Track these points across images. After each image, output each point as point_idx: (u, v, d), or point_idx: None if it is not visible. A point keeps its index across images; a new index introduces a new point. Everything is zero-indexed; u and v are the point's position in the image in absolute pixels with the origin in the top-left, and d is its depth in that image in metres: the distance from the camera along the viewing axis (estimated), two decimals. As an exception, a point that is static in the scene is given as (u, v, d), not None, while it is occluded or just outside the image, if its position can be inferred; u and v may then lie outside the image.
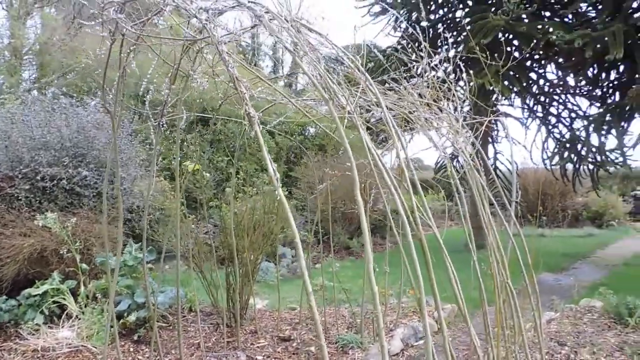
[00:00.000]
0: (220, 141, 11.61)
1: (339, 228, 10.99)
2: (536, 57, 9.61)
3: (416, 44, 3.48)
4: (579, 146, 9.60)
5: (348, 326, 4.69)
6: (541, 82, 10.02)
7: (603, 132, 8.86)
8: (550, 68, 9.93)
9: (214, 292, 4.61)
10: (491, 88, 8.81)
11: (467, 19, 10.19)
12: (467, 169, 3.29)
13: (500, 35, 9.25)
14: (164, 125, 3.02)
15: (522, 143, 11.28)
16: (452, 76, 3.48)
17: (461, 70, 3.83)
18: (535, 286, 3.23)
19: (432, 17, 10.78)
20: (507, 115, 10.65)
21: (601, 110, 9.14)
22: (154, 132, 3.15)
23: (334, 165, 12.11)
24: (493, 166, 11.47)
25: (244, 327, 4.51)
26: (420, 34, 3.38)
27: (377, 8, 10.66)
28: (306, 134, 17.70)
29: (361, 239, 11.42)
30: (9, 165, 4.74)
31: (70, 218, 4.58)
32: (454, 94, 3.57)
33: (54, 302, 4.23)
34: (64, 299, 4.29)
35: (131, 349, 3.90)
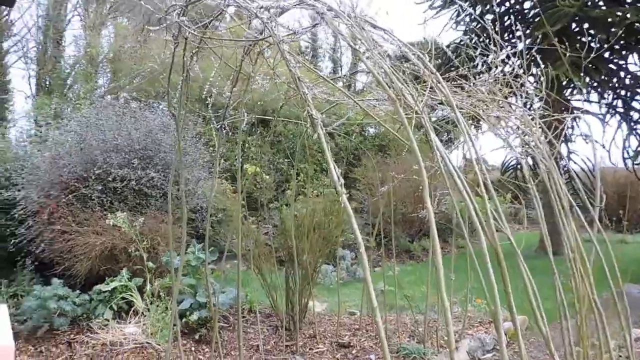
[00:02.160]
0: (280, 142, 11.74)
1: (399, 231, 10.74)
2: (616, 47, 8.86)
3: (481, 39, 3.27)
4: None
5: (410, 335, 4.52)
6: (622, 74, 9.24)
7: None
8: (633, 59, 9.13)
9: (273, 294, 4.60)
10: (564, 82, 8.24)
11: (536, 10, 9.65)
12: (544, 170, 3.04)
13: (573, 25, 8.66)
14: (226, 127, 3.02)
15: (599, 141, 10.48)
16: (521, 71, 3.24)
17: (537, 64, 3.57)
18: (624, 299, 2.92)
19: (498, 9, 10.27)
20: (586, 112, 9.93)
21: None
22: (216, 134, 3.17)
23: (395, 167, 11.89)
24: (566, 167, 10.75)
25: (302, 330, 4.47)
26: (488, 27, 3.17)
27: (438, 2, 10.31)
28: (365, 134, 17.52)
29: (422, 243, 11.12)
30: (83, 166, 5.00)
31: (138, 218, 4.75)
32: (526, 90, 3.32)
33: (122, 298, 4.39)
34: (132, 295, 4.45)
35: (192, 348, 3.97)
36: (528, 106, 3.52)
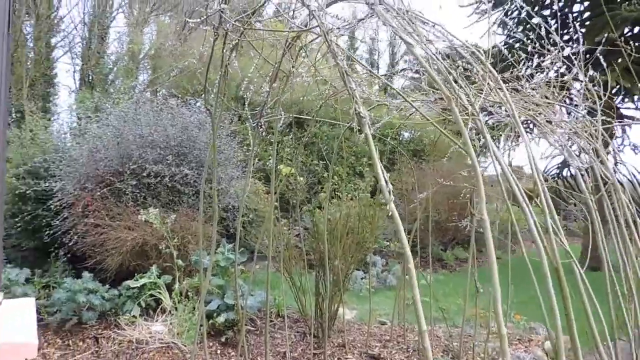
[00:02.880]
0: (314, 144, 11.64)
1: (432, 239, 10.42)
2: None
3: (529, 41, 3.05)
4: None
5: (444, 350, 4.29)
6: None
7: None
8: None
9: (302, 298, 4.47)
10: (615, 89, 7.80)
11: (587, 13, 9.25)
12: (606, 181, 2.79)
13: (626, 29, 8.20)
14: (262, 126, 2.90)
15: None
16: (566, 76, 3.01)
17: (587, 70, 3.30)
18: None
19: (544, 12, 9.90)
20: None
21: None
22: (251, 133, 3.06)
23: (432, 173, 11.57)
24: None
25: (331, 339, 4.31)
26: (543, 26, 2.94)
27: (484, 5, 9.99)
28: (400, 139, 17.24)
29: (455, 252, 10.77)
30: (119, 161, 5.01)
31: (170, 215, 4.71)
32: (581, 95, 3.08)
33: (150, 295, 4.35)
34: (160, 293, 4.40)
35: (218, 351, 3.87)
36: (578, 113, 3.27)
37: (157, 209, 4.58)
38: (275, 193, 3.21)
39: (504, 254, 11.47)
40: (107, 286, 4.39)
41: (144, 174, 4.91)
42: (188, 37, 11.98)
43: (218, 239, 4.85)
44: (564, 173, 11.50)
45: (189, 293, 4.33)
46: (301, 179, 3.97)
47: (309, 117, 3.49)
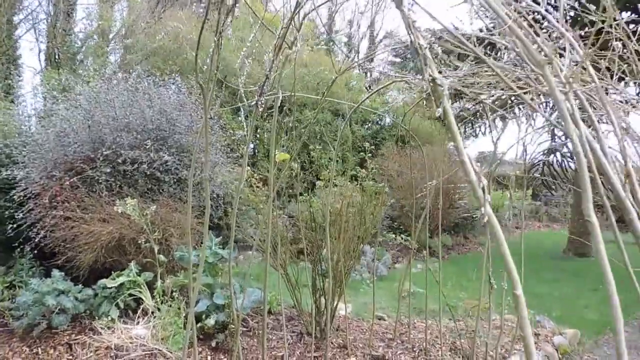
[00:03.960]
0: (296, 129, 11.21)
1: (421, 225, 10.21)
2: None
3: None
4: None
5: (450, 348, 4.02)
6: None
7: None
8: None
9: (298, 295, 4.12)
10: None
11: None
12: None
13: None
14: (263, 105, 2.49)
15: None
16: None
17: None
18: None
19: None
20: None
21: None
22: (248, 113, 2.65)
23: (418, 159, 11.32)
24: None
25: (330, 338, 3.98)
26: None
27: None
28: (382, 123, 16.97)
29: (443, 239, 10.60)
30: (91, 146, 4.51)
31: (149, 205, 4.27)
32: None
33: (129, 295, 3.93)
34: (140, 292, 3.98)
35: (209, 357, 3.49)
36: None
37: (135, 200, 4.13)
38: (273, 184, 2.82)
39: (492, 239, 11.34)
40: (80, 286, 3.94)
41: (119, 161, 4.43)
42: (162, 15, 11.30)
43: (203, 232, 4.45)
44: (550, 158, 11.44)
45: (173, 292, 3.92)
46: (296, 165, 3.59)
47: (314, 96, 3.09)
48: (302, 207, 4.87)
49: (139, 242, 4.12)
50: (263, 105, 2.53)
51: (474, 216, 10.75)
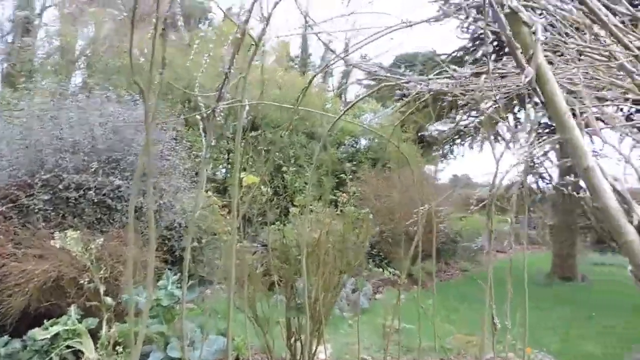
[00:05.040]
0: (268, 151, 10.72)
1: (400, 251, 9.76)
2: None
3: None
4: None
5: (447, 399, 3.48)
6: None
7: None
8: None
9: (269, 342, 3.53)
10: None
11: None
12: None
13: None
14: (220, 115, 1.98)
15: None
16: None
17: None
18: None
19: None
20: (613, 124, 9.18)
21: None
22: (205, 126, 2.13)
23: (395, 182, 10.96)
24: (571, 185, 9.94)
25: (308, 392, 3.40)
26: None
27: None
28: (357, 146, 16.66)
29: (426, 265, 10.15)
30: (27, 169, 3.89)
31: (97, 238, 3.65)
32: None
33: (67, 347, 3.27)
34: (81, 342, 3.33)
35: None
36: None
37: (79, 232, 3.50)
38: (238, 211, 2.29)
39: (473, 264, 10.95)
40: (7, 337, 3.27)
41: (61, 186, 3.82)
42: (127, 33, 10.77)
43: (160, 268, 3.84)
44: (528, 181, 11.24)
45: (118, 343, 3.28)
46: (267, 189, 3.07)
47: (289, 106, 2.59)
48: (274, 236, 4.33)
49: (82, 282, 3.48)
50: (221, 114, 2.03)
51: (456, 241, 10.38)
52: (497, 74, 2.01)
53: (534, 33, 0.47)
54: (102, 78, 9.24)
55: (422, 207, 3.39)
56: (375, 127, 18.12)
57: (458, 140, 12.11)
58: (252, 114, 11.53)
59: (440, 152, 15.75)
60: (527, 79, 0.47)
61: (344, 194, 3.62)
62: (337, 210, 3.62)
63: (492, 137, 2.97)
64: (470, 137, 11.70)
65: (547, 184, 9.55)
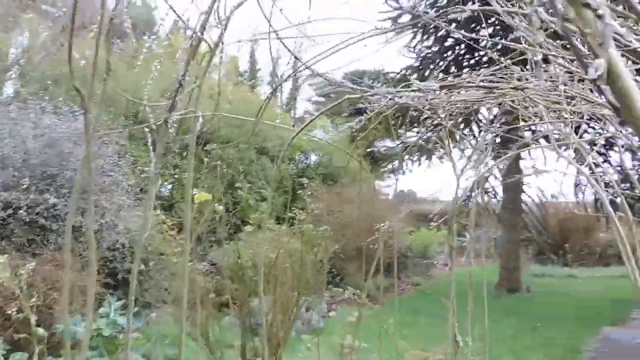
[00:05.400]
0: (216, 167, 10.42)
1: (353, 268, 9.71)
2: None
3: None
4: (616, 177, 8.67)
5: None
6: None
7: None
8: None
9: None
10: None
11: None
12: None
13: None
14: (173, 126, 1.81)
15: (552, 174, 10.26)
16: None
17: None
18: None
19: (456, 36, 9.97)
20: (537, 143, 9.68)
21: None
22: (154, 138, 1.94)
23: (345, 197, 10.95)
24: (517, 200, 10.40)
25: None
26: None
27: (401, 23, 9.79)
28: (308, 162, 16.63)
29: (379, 281, 10.16)
30: (-53, 187, 3.48)
31: (28, 262, 3.29)
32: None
33: (-10, 388, 2.90)
34: (7, 382, 2.96)
35: None
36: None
37: (6, 256, 3.14)
38: (191, 233, 2.10)
39: (425, 279, 11.08)
40: None
41: (-14, 205, 3.44)
42: (66, 40, 10.18)
43: (101, 293, 3.52)
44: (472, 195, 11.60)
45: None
46: (220, 207, 2.90)
47: (251, 119, 2.43)
48: (227, 255, 4.12)
49: (9, 312, 3.11)
50: (174, 126, 1.85)
51: (407, 255, 10.48)
52: (456, 89, 1.98)
53: (599, 17, 0.39)
54: (37, 88, 8.64)
55: (382, 224, 3.33)
56: (325, 143, 18.19)
57: (406, 157, 12.35)
58: (204, 128, 11.21)
59: (389, 168, 16.03)
60: (597, 73, 0.38)
61: (302, 211, 3.49)
62: (293, 228, 3.48)
63: (450, 152, 2.96)
64: (418, 153, 11.96)
65: (493, 198, 9.91)
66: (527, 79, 1.63)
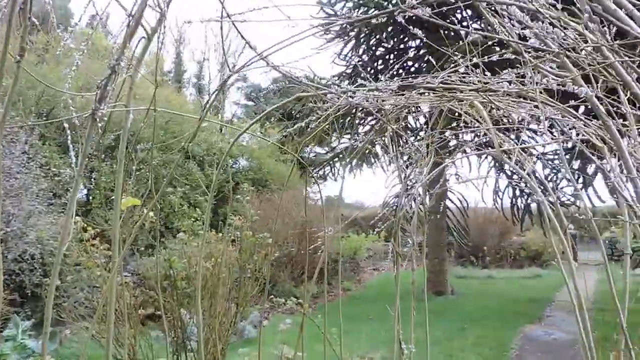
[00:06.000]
0: (140, 171, 9.81)
1: (284, 275, 9.55)
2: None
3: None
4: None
5: None
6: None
7: (555, 171, 8.59)
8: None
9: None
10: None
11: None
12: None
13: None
14: (103, 118, 1.57)
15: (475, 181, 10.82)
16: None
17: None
18: None
19: (386, 45, 10.26)
20: (463, 151, 10.16)
21: (557, 148, 8.86)
22: (78, 134, 1.68)
23: (274, 203, 10.77)
24: (442, 205, 10.83)
25: None
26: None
27: (332, 35, 9.85)
28: (237, 166, 16.29)
29: (310, 287, 10.06)
30: None
31: None
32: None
33: None
34: None
35: None
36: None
37: None
38: (120, 243, 1.85)
39: (354, 284, 11.14)
40: None
41: None
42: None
43: (6, 312, 3.08)
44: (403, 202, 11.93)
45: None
46: (151, 214, 2.65)
47: (195, 116, 2.22)
48: (153, 264, 3.81)
49: None
50: (105, 120, 1.61)
51: (337, 260, 10.51)
52: (416, 89, 1.93)
53: None
54: None
55: (328, 230, 3.23)
56: (254, 147, 17.92)
57: (337, 163, 12.45)
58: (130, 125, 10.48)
59: (319, 174, 16.10)
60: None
61: (239, 217, 3.29)
62: (230, 235, 3.27)
63: (397, 157, 2.93)
64: (351, 160, 12.09)
65: (420, 205, 10.21)
66: (486, 83, 1.60)
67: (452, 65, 1.78)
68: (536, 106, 1.74)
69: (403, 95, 2.11)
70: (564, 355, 5.33)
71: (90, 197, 10.04)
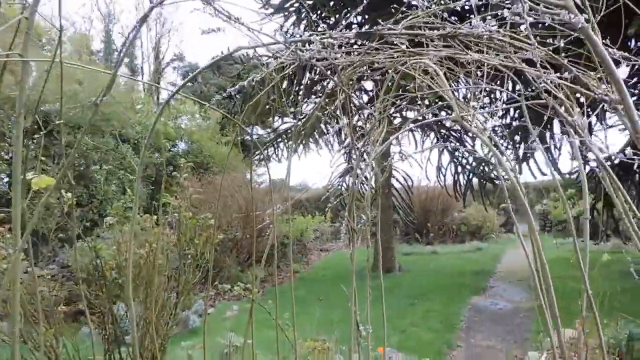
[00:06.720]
0: (67, 155, 9.03)
1: (230, 260, 9.21)
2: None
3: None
4: (470, 160, 9.58)
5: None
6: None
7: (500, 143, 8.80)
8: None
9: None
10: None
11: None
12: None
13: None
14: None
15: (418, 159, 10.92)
16: None
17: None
18: None
19: (328, 22, 9.99)
20: (419, 119, 10.19)
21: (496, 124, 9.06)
22: None
23: (217, 186, 10.34)
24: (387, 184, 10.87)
25: None
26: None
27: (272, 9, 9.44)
28: (176, 150, 15.60)
29: (257, 271, 9.79)
30: None
31: None
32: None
33: None
34: None
35: None
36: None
37: None
38: (23, 230, 1.50)
39: (302, 265, 10.99)
40: None
41: None
42: None
43: None
44: (347, 181, 11.87)
45: None
46: (69, 194, 2.29)
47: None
48: (83, 255, 3.38)
49: None
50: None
51: (284, 243, 10.29)
52: (375, 39, 1.70)
53: None
54: None
55: (276, 210, 2.97)
56: (193, 130, 17.18)
57: (281, 144, 12.14)
58: (45, 106, 9.59)
59: (261, 156, 15.73)
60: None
61: (176, 198, 2.96)
62: (167, 217, 2.93)
63: (350, 125, 2.72)
64: (299, 141, 11.84)
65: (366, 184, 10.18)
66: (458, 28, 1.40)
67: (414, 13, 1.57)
68: (507, 56, 1.57)
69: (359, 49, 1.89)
70: (511, 324, 5.45)
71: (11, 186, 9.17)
